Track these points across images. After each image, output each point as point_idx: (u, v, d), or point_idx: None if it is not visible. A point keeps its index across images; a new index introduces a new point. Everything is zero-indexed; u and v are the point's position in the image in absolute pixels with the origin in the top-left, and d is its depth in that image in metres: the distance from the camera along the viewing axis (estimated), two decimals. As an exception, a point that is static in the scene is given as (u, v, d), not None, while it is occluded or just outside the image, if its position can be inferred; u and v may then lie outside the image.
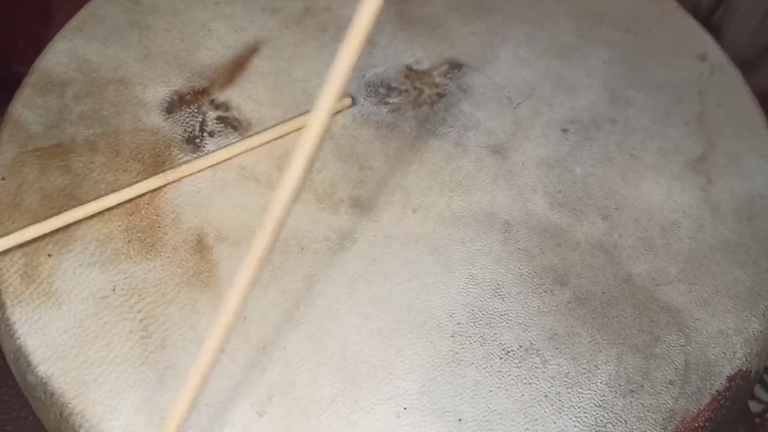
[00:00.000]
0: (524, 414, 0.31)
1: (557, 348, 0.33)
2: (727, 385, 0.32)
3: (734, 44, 0.81)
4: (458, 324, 0.33)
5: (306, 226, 0.36)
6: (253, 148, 0.37)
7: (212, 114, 0.39)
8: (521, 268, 0.35)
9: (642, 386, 0.32)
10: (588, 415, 0.31)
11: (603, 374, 0.32)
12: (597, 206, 0.38)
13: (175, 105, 0.40)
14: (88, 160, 0.37)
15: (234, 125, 0.39)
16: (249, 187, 0.37)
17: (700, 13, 0.82)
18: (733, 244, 0.37)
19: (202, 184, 0.37)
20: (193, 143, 0.38)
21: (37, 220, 0.34)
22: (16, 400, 0.39)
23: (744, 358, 0.33)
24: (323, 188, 0.37)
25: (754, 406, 0.74)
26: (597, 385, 0.32)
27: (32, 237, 0.33)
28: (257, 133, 0.37)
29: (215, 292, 0.33)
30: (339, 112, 0.39)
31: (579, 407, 0.31)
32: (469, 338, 0.33)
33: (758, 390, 0.75)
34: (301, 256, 0.35)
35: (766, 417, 0.73)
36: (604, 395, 0.31)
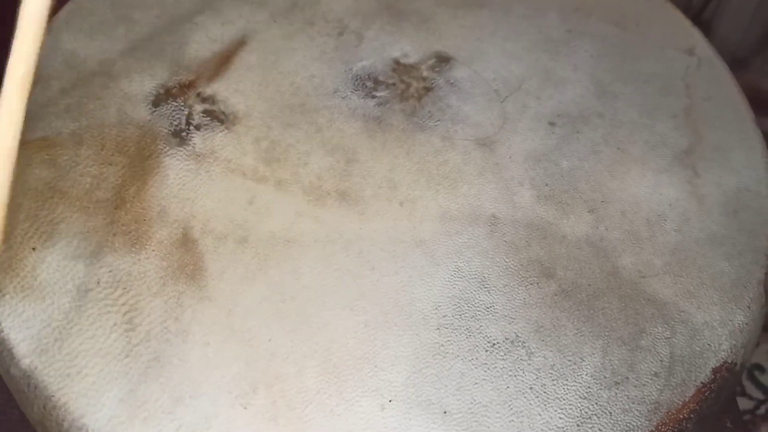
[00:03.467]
0: (509, 406, 0.31)
1: (543, 340, 0.33)
2: (712, 377, 0.32)
3: (725, 41, 0.81)
4: (444, 316, 0.33)
5: (292, 218, 0.35)
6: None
7: (199, 107, 0.39)
8: (507, 260, 0.35)
9: (627, 378, 0.32)
10: (573, 407, 0.31)
11: (588, 366, 0.32)
12: (584, 199, 0.38)
13: (161, 98, 0.39)
14: (74, 153, 0.37)
15: (220, 118, 0.39)
16: (235, 180, 0.37)
17: (691, 9, 0.82)
18: (720, 236, 0.37)
19: (188, 178, 0.36)
20: (180, 136, 0.38)
21: (20, 212, 0.34)
22: (1, 394, 0.39)
23: (729, 351, 0.33)
24: (309, 181, 0.37)
25: (745, 403, 0.74)
26: (582, 377, 0.32)
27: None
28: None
29: (200, 285, 0.33)
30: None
31: (564, 399, 0.31)
32: (454, 331, 0.33)
33: (749, 387, 0.75)
34: (287, 248, 0.34)
35: (757, 414, 0.74)
36: (589, 387, 0.32)
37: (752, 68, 0.83)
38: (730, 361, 0.33)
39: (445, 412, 0.31)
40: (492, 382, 0.31)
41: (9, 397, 0.33)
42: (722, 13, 0.82)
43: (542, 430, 0.30)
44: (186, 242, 0.34)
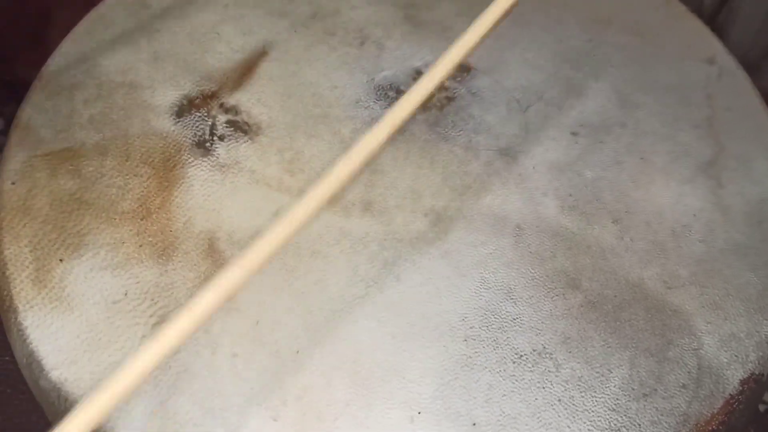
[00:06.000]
0: (538, 418, 0.31)
1: (570, 352, 0.33)
2: (740, 388, 0.32)
3: (737, 46, 0.81)
4: (471, 328, 0.33)
5: (318, 229, 0.35)
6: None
7: (222, 118, 0.39)
8: (533, 271, 0.35)
9: (655, 390, 0.32)
10: (602, 419, 0.31)
11: (616, 378, 0.32)
12: (608, 210, 0.38)
13: (184, 109, 0.40)
14: (99, 164, 0.37)
15: (244, 129, 0.39)
16: (260, 192, 0.37)
17: (702, 15, 0.82)
18: (744, 247, 0.37)
19: (213, 188, 0.37)
20: (204, 147, 0.38)
21: (47, 223, 0.34)
22: (27, 405, 0.39)
23: (756, 362, 0.33)
24: (334, 192, 0.37)
25: (760, 407, 0.74)
26: (610, 389, 0.32)
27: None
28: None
29: (227, 297, 0.33)
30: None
31: (593, 411, 0.31)
32: (482, 342, 0.33)
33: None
34: (314, 260, 0.34)
35: (769, 418, 0.73)
36: (617, 399, 0.31)
37: (764, 73, 0.83)
38: (757, 372, 0.33)
39: (474, 424, 0.31)
40: (520, 394, 0.31)
41: (36, 408, 0.33)
42: (734, 18, 0.82)
43: (571, 442, 0.30)
44: (212, 253, 0.34)
